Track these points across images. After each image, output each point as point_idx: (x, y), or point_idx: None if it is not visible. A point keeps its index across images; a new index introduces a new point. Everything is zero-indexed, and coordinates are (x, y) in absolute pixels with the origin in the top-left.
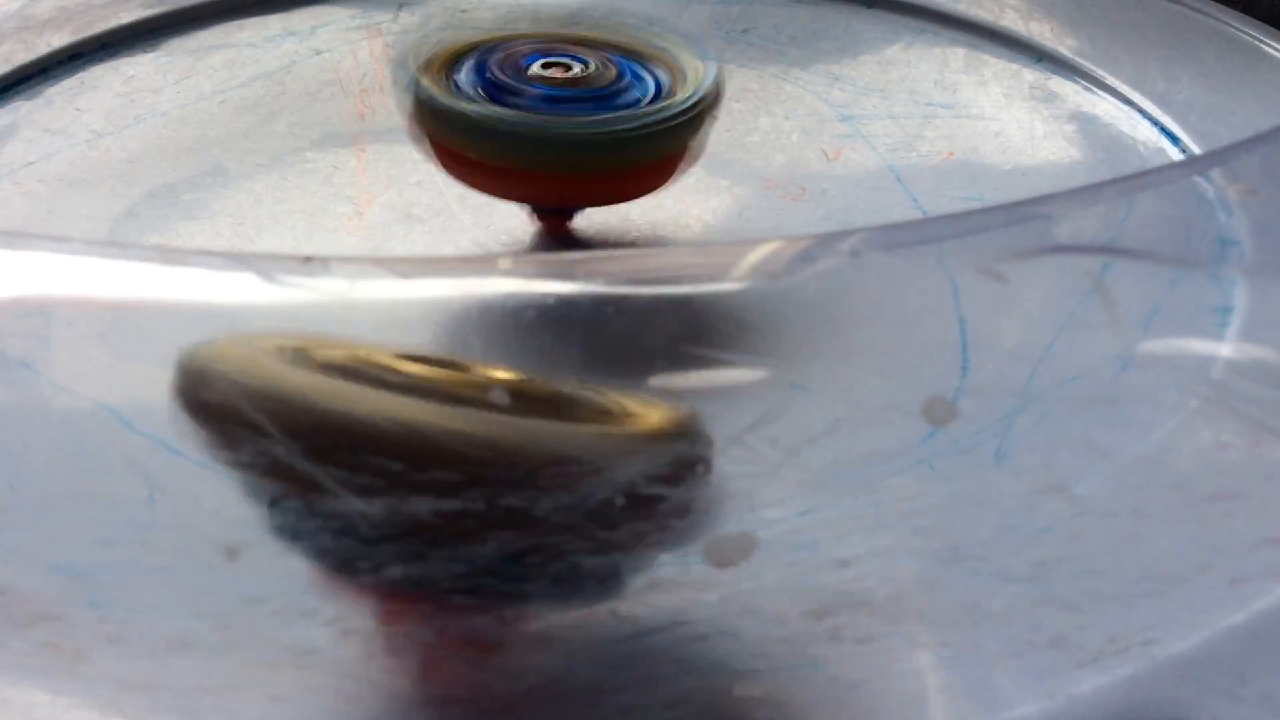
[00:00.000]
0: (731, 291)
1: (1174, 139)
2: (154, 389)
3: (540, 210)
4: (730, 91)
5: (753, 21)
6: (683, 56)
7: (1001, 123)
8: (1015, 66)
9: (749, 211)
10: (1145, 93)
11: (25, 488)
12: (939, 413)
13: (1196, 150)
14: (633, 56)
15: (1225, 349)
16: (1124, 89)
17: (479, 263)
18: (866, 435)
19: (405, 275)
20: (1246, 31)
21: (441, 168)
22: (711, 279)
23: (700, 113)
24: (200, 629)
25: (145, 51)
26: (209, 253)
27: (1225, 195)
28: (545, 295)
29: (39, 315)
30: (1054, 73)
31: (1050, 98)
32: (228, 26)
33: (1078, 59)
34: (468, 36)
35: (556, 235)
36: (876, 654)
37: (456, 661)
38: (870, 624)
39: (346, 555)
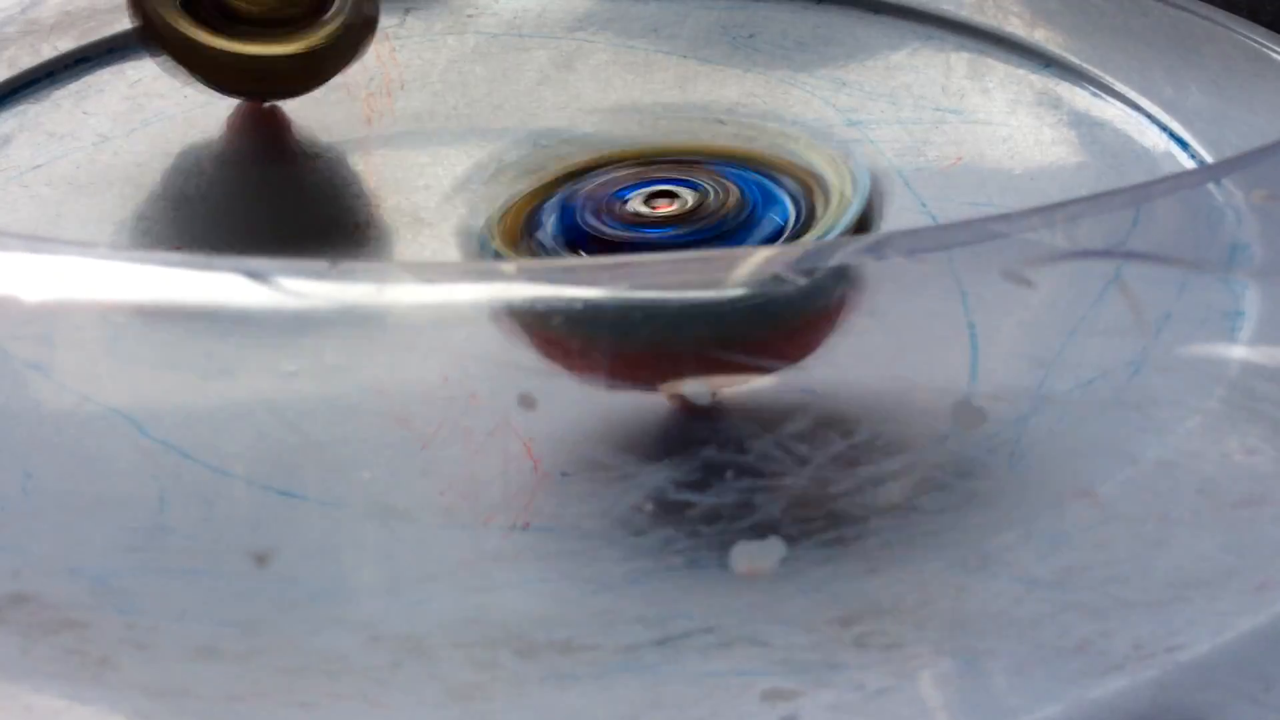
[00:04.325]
0: (734, 297)
1: (1183, 144)
2: (166, 394)
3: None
4: (737, 96)
5: (758, 27)
6: (809, 152)
7: (1009, 128)
8: (1021, 72)
9: None
10: (1153, 98)
11: (39, 493)
12: (967, 417)
13: (1206, 156)
14: (750, 166)
15: (1240, 352)
16: (1131, 95)
17: (486, 267)
18: (885, 439)
19: (430, 280)
20: (1253, 38)
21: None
22: (711, 285)
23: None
24: (228, 636)
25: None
26: (228, 257)
27: (1235, 200)
28: (548, 299)
29: (49, 319)
30: (1061, 78)
31: (1057, 103)
32: None
33: (1084, 65)
34: (543, 171)
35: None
36: (903, 660)
37: None
38: (897, 630)
39: None
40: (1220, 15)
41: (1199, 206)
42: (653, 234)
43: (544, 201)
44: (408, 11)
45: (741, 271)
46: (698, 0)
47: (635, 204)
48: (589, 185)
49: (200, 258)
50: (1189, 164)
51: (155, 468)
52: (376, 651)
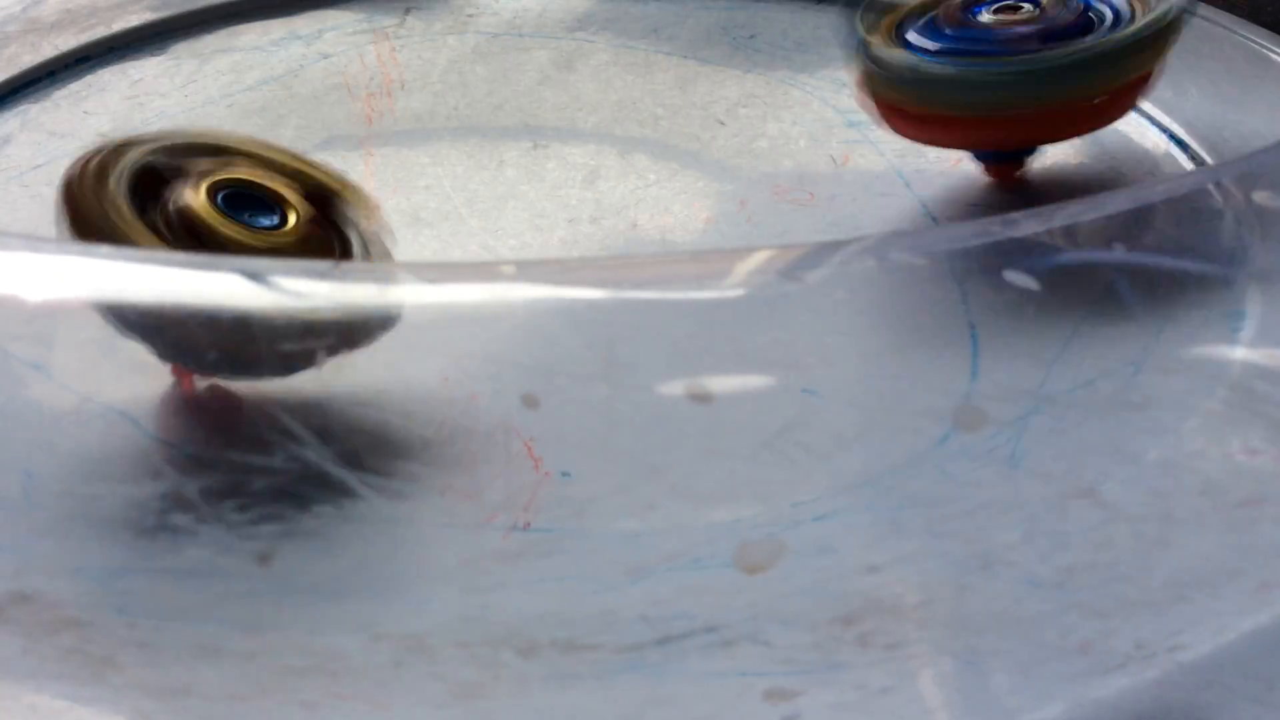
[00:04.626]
0: (734, 297)
1: (1183, 145)
2: (167, 393)
3: (997, 160)
4: (737, 97)
5: (759, 27)
6: None
7: None
8: None
9: (757, 217)
10: (1152, 100)
11: (40, 492)
12: (968, 419)
13: (1206, 157)
14: None
15: (1241, 353)
16: None
17: (484, 267)
18: (887, 440)
19: (432, 280)
20: (1253, 39)
21: (893, 129)
22: (709, 285)
23: (1165, 30)
24: (229, 635)
25: (152, 55)
26: (232, 258)
27: (1235, 200)
28: (549, 300)
29: (49, 319)
30: None
31: None
32: (233, 30)
33: None
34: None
35: (1010, 187)
36: (905, 660)
37: None
38: (899, 630)
39: None
40: (1220, 16)
41: (1199, 207)
42: (1007, 33)
43: (904, 21)
44: (408, 11)
45: (741, 270)
46: (698, 1)
47: (985, 16)
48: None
49: (202, 257)
50: (1189, 165)
51: (156, 467)
52: (378, 651)
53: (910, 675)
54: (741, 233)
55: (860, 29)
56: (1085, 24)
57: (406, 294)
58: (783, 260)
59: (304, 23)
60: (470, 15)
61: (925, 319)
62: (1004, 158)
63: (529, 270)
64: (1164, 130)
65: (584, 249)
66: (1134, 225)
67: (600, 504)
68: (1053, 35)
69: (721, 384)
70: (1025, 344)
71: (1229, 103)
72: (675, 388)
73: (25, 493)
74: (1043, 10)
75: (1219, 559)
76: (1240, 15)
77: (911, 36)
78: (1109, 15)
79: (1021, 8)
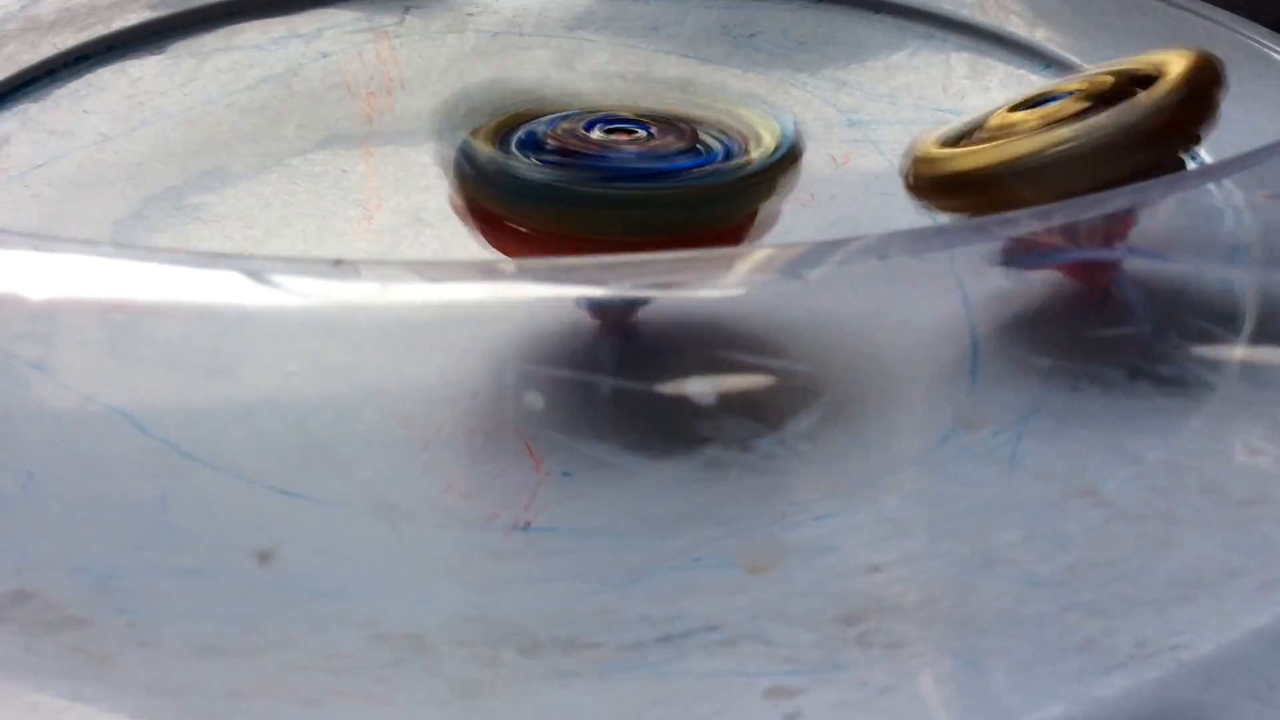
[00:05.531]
0: (734, 296)
1: None
2: (166, 392)
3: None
4: (738, 97)
5: (759, 26)
6: (755, 120)
7: None
8: (1021, 72)
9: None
10: None
11: (41, 492)
12: (969, 418)
13: (1206, 156)
14: (702, 122)
15: (1242, 353)
16: None
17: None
18: (888, 440)
19: (434, 279)
20: (1253, 38)
21: (490, 244)
22: (709, 285)
23: (775, 173)
24: (230, 634)
25: (151, 54)
26: (231, 255)
27: (1235, 200)
28: (549, 299)
29: (49, 319)
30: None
31: None
32: (232, 29)
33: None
34: (515, 107)
35: (617, 330)
36: (906, 659)
37: None
38: (900, 629)
39: None
40: (1220, 15)
41: (1199, 206)
42: (617, 156)
43: (512, 128)
44: (408, 10)
45: (741, 269)
46: (698, 0)
47: (597, 133)
48: (558, 121)
49: (202, 256)
50: (1189, 164)
51: (156, 467)
52: (379, 649)
53: (911, 674)
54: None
55: (458, 125)
56: (695, 156)
57: (407, 293)
58: (783, 260)
59: (304, 21)
60: (470, 14)
61: (925, 319)
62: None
63: (529, 270)
64: None
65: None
66: (1134, 224)
67: (601, 503)
68: (660, 164)
69: (722, 383)
70: (1025, 343)
71: (1229, 102)
72: (676, 386)
73: (26, 491)
74: (652, 136)
75: (1220, 558)
76: (1240, 15)
77: (514, 146)
78: (720, 150)
79: (635, 132)
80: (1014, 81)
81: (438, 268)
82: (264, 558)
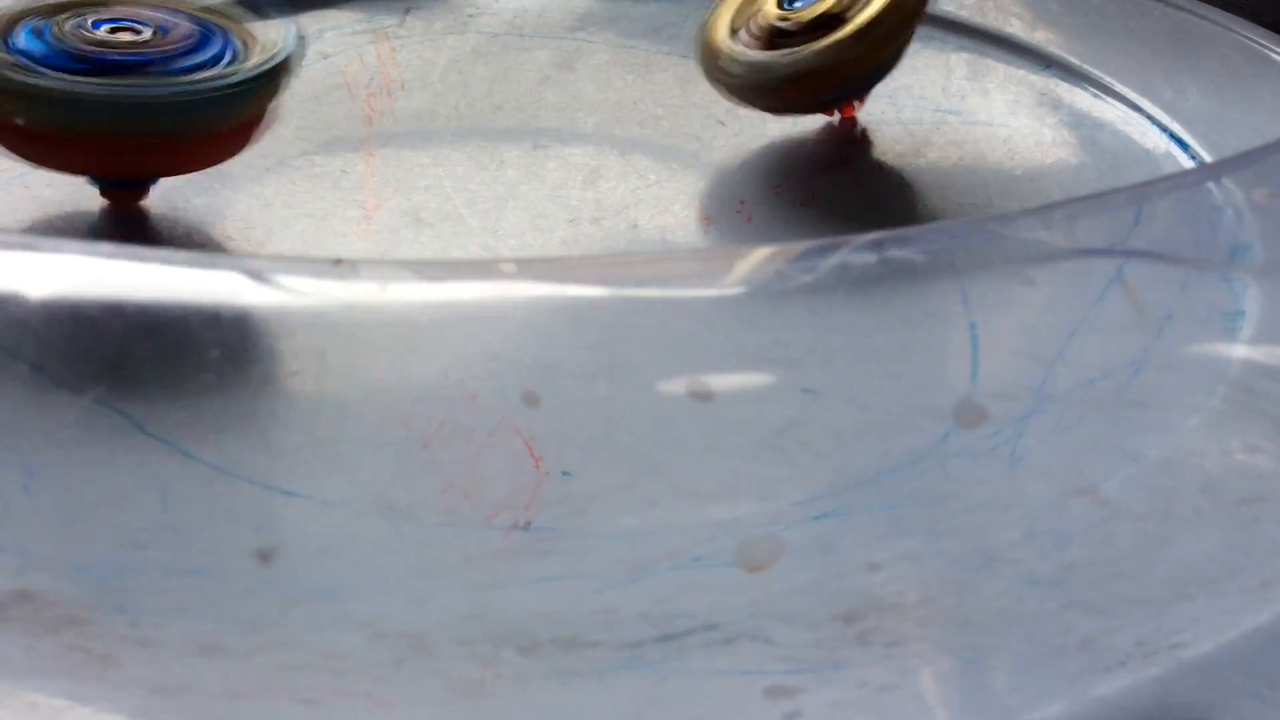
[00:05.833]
0: (734, 296)
1: (1183, 145)
2: (167, 392)
3: (107, 185)
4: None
5: None
6: (265, 25)
7: (1010, 129)
8: (1021, 73)
9: (758, 218)
10: (1153, 100)
11: (41, 491)
12: (969, 416)
13: (1206, 157)
14: (213, 23)
15: (1242, 351)
16: (1131, 96)
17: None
18: (887, 439)
19: (433, 278)
20: (1253, 39)
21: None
22: (709, 284)
23: (275, 77)
24: (230, 633)
25: None
26: (231, 255)
27: (1235, 199)
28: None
29: (50, 318)
30: (1061, 79)
31: (1057, 104)
32: None
33: (1084, 66)
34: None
35: (125, 213)
36: (906, 657)
37: None
38: (900, 628)
39: None
40: (1221, 16)
41: (1199, 206)
42: (110, 56)
43: (23, 20)
44: (408, 11)
45: (741, 270)
46: (698, 0)
47: (102, 33)
48: (71, 16)
49: (202, 256)
50: (1189, 164)
51: (157, 466)
52: (379, 648)
53: (911, 673)
54: (741, 233)
55: None
56: (201, 55)
57: (407, 292)
58: (783, 259)
59: (304, 22)
60: (470, 15)
61: (925, 318)
62: (121, 185)
63: (529, 269)
64: (1164, 130)
65: (584, 249)
66: (1134, 224)
67: (601, 502)
68: (169, 63)
69: (722, 382)
70: (1025, 342)
71: (1229, 103)
72: (676, 386)
73: (26, 491)
74: (161, 38)
75: (1220, 556)
76: (1240, 15)
77: (20, 42)
78: (226, 52)
79: (141, 30)
80: (1013, 82)
81: (437, 267)
82: (264, 557)
